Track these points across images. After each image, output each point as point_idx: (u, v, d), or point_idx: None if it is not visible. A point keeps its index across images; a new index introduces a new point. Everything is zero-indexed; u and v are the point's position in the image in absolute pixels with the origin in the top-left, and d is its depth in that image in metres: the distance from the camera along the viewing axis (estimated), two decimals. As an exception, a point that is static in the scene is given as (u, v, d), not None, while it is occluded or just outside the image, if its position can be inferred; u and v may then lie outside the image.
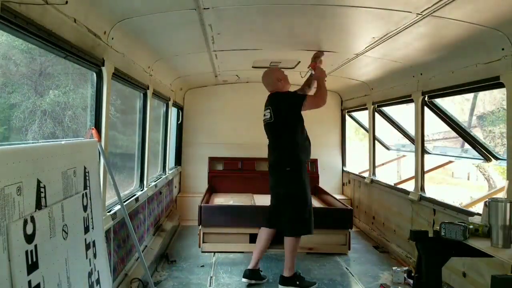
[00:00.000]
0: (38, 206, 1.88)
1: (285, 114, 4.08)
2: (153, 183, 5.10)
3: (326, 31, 3.71)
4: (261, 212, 5.29)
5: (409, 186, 5.22)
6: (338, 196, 6.66)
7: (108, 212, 3.28)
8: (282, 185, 4.14)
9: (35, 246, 1.79)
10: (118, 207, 3.41)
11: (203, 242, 5.17)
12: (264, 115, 4.23)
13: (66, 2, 2.33)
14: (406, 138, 6.04)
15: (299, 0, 2.89)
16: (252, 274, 4.20)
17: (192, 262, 4.79)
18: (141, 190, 4.50)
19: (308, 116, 7.15)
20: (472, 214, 3.40)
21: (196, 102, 7.30)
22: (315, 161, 7.24)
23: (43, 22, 2.16)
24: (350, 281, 4.34)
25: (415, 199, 4.62)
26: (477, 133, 12.62)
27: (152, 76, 4.64)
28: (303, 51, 4.57)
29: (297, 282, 4.05)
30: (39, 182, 1.90)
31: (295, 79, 7.05)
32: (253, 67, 5.50)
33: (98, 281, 2.55)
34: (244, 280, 4.19)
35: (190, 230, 6.25)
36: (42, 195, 1.92)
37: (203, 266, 4.67)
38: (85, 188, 2.47)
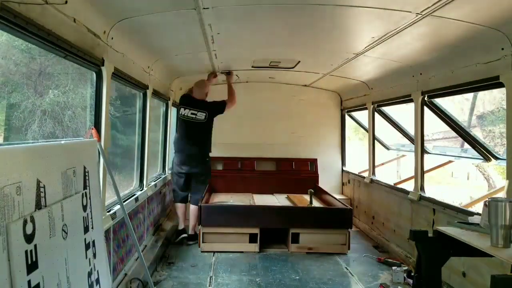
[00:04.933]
0: (38, 206, 1.88)
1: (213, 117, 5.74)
2: (153, 183, 5.09)
3: (325, 31, 3.71)
4: (261, 211, 5.31)
5: (409, 186, 5.22)
6: (338, 196, 6.65)
7: (108, 212, 3.28)
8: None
9: (35, 246, 1.79)
10: (117, 207, 3.41)
11: (203, 242, 5.17)
12: (195, 114, 5.55)
13: (66, 2, 2.33)
14: (406, 138, 6.04)
15: (299, 0, 2.89)
16: None
17: (191, 262, 4.79)
18: (141, 190, 4.49)
19: (308, 116, 7.26)
20: (471, 214, 3.40)
21: None
22: (314, 161, 7.24)
23: (43, 22, 2.16)
24: (350, 281, 4.34)
25: (414, 199, 4.62)
26: (477, 133, 12.62)
27: (152, 75, 4.63)
28: (303, 51, 4.57)
29: None
30: (38, 182, 1.89)
31: (294, 79, 7.03)
32: (252, 67, 5.51)
33: (97, 281, 2.55)
34: None
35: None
36: (42, 195, 1.92)
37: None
38: (84, 188, 2.46)
